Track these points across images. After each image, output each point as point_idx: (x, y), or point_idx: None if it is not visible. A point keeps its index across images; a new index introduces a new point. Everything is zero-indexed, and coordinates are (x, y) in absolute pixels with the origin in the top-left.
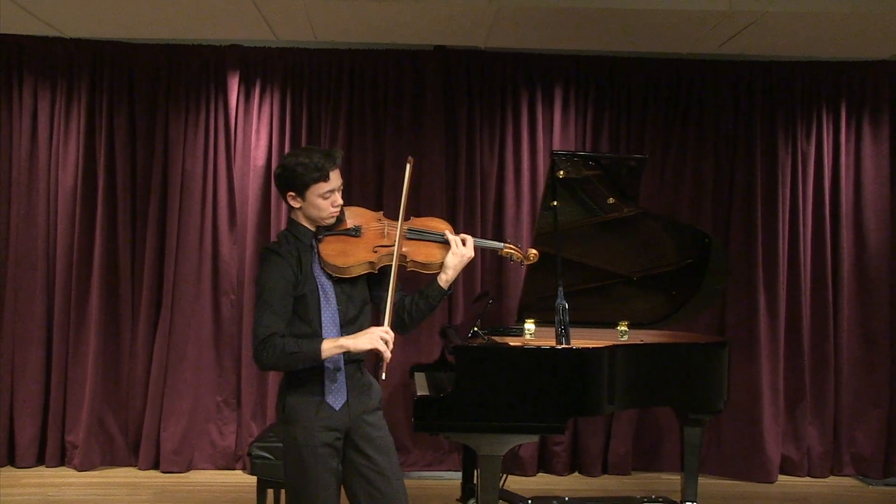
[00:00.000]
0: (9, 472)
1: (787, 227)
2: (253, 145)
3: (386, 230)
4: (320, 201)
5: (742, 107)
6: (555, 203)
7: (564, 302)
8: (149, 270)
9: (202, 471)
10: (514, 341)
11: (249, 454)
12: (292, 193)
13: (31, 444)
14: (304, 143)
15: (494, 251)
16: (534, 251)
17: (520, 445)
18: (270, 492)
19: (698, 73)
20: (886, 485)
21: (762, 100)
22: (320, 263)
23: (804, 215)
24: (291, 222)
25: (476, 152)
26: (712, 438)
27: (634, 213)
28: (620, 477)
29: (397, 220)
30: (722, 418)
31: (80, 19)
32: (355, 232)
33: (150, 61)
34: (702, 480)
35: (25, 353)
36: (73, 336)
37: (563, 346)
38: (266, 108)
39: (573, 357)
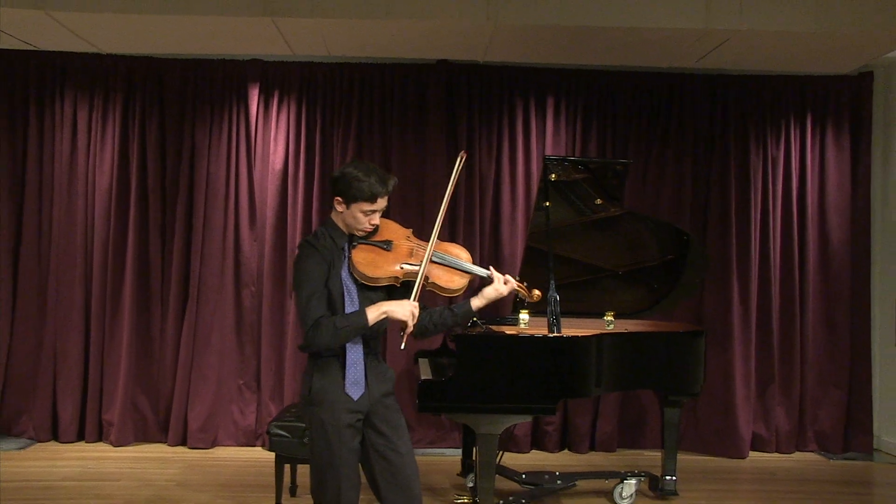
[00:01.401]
0: (53, 446)
1: (758, 226)
2: (271, 151)
3: (414, 250)
4: (360, 216)
5: (717, 116)
6: (547, 204)
7: (556, 294)
8: (177, 265)
9: (225, 447)
10: (509, 330)
11: (268, 432)
12: (340, 199)
13: (71, 422)
14: (318, 149)
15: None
16: (537, 292)
17: (515, 425)
18: (287, 467)
19: (678, 86)
20: (845, 459)
21: (735, 110)
22: (349, 267)
23: (774, 215)
24: (330, 222)
25: (475, 157)
26: (690, 418)
27: (620, 212)
28: (606, 453)
29: (426, 241)
30: (698, 400)
31: (115, 37)
32: (387, 246)
33: (178, 75)
34: (680, 456)
35: (66, 339)
36: (109, 324)
37: (555, 334)
38: (283, 117)
39: (564, 344)
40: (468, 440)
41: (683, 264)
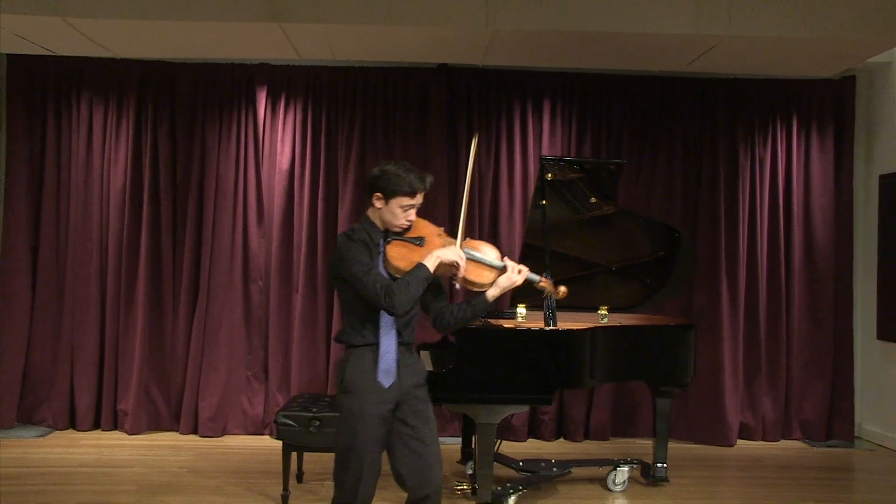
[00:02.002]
0: (70, 434)
1: (746, 224)
2: (278, 151)
3: (447, 245)
4: (399, 211)
5: (707, 118)
6: (544, 202)
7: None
8: (188, 261)
9: (235, 436)
10: (507, 323)
11: (276, 422)
12: (379, 195)
13: (88, 411)
14: (323, 150)
15: (531, 282)
16: (563, 289)
17: (512, 415)
18: (294, 455)
19: (669, 88)
20: (828, 446)
21: (724, 112)
22: (384, 262)
23: (761, 213)
24: (366, 218)
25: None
26: (680, 408)
27: (613, 210)
28: (600, 442)
29: (455, 237)
30: (689, 390)
31: (129, 42)
32: (419, 242)
33: (189, 78)
34: (671, 445)
35: (83, 332)
36: (123, 318)
37: (551, 327)
38: (290, 119)
39: (559, 337)
40: (468, 429)
41: (674, 260)
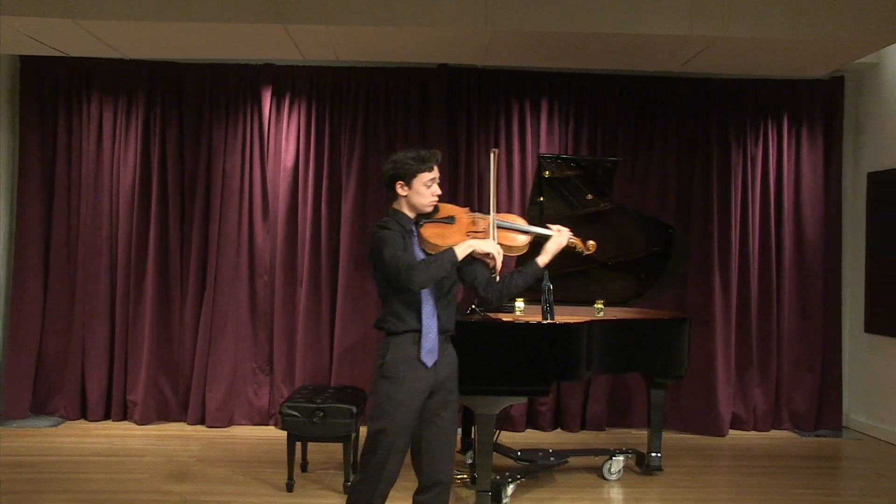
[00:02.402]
0: (82, 424)
1: (738, 220)
2: (283, 150)
3: (476, 220)
4: (423, 189)
5: (700, 117)
6: (541, 199)
7: (549, 283)
8: (195, 256)
9: (241, 426)
10: (506, 317)
11: (280, 412)
12: (401, 182)
13: (99, 402)
14: (326, 148)
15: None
16: (592, 242)
17: (511, 406)
18: (298, 444)
19: (663, 88)
20: (817, 436)
21: (717, 111)
22: (420, 244)
23: (752, 209)
24: (394, 211)
25: (474, 155)
26: (674, 399)
27: (609, 207)
28: (596, 432)
29: (484, 213)
30: (682, 382)
31: (138, 43)
32: (450, 220)
33: (196, 78)
34: (665, 435)
35: (93, 326)
36: (132, 311)
37: (549, 321)
38: (294, 118)
39: (557, 330)
40: (467, 420)
41: (668, 256)
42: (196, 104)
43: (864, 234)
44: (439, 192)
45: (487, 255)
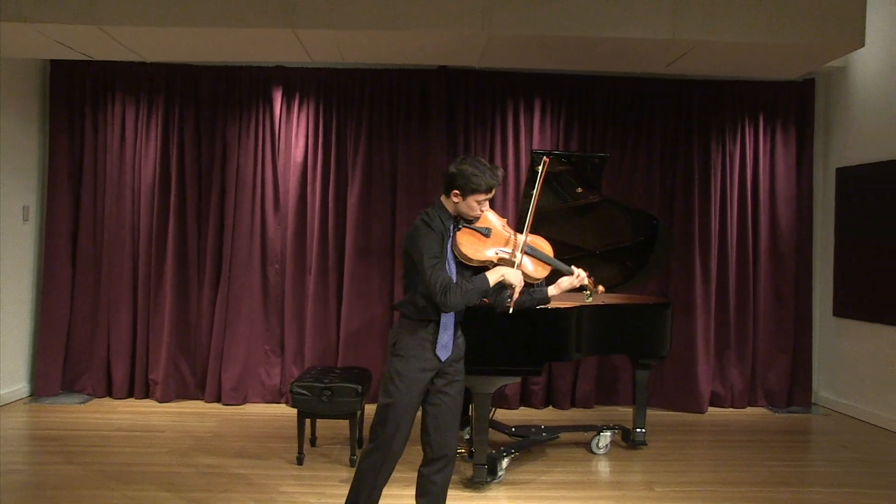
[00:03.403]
0: (108, 402)
1: (717, 212)
2: (293, 146)
3: (509, 240)
4: (475, 205)
5: (683, 115)
6: (534, 192)
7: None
8: (211, 246)
9: (254, 404)
10: None
11: (291, 391)
12: (457, 192)
13: (123, 381)
14: (333, 144)
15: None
16: (601, 287)
17: (506, 385)
18: (308, 421)
19: (648, 89)
20: (789, 412)
21: (699, 110)
22: (452, 245)
23: (731, 202)
24: (440, 205)
25: (471, 151)
26: (657, 379)
27: (598, 200)
28: (585, 409)
29: (521, 232)
30: (665, 363)
31: (158, 47)
32: (487, 233)
33: (212, 80)
34: (649, 412)
35: (117, 310)
36: (153, 297)
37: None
38: (303, 116)
39: (548, 315)
40: (465, 398)
41: (653, 245)
42: (211, 104)
43: (833, 225)
44: (487, 208)
45: (511, 285)
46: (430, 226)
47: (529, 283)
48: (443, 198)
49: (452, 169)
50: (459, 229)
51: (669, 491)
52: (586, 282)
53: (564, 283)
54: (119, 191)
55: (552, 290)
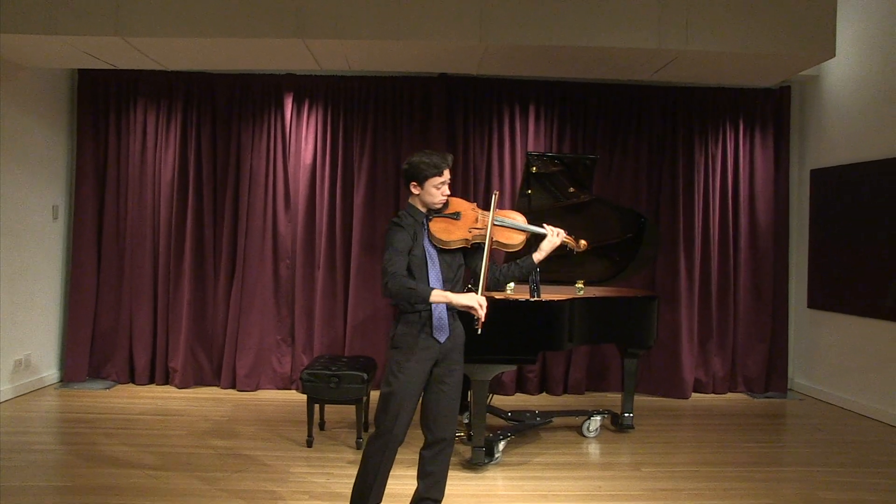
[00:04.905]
0: (131, 388)
1: (700, 210)
2: (303, 148)
3: (479, 217)
4: (434, 190)
5: (668, 120)
6: (529, 191)
7: (536, 265)
8: (226, 241)
9: (267, 390)
10: (498, 295)
11: (301, 378)
12: (414, 183)
13: (145, 368)
14: (340, 146)
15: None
16: (584, 242)
17: (502, 373)
18: (317, 406)
19: (636, 95)
20: (766, 397)
21: (683, 115)
22: (429, 237)
23: (713, 201)
24: (409, 205)
25: (470, 153)
26: (644, 367)
27: (589, 199)
28: (577, 395)
29: (488, 210)
30: (651, 352)
31: (177, 56)
32: (456, 216)
33: (227, 87)
34: (636, 397)
35: (139, 302)
36: (173, 289)
37: (535, 298)
38: (312, 121)
39: (543, 307)
40: (464, 385)
41: (640, 241)
42: (227, 109)
43: (808, 223)
44: (448, 192)
45: (469, 307)
46: (400, 224)
47: (513, 255)
48: (410, 198)
49: (404, 165)
50: (431, 220)
51: (655, 471)
52: (566, 238)
53: (545, 245)
54: (141, 191)
55: (537, 256)
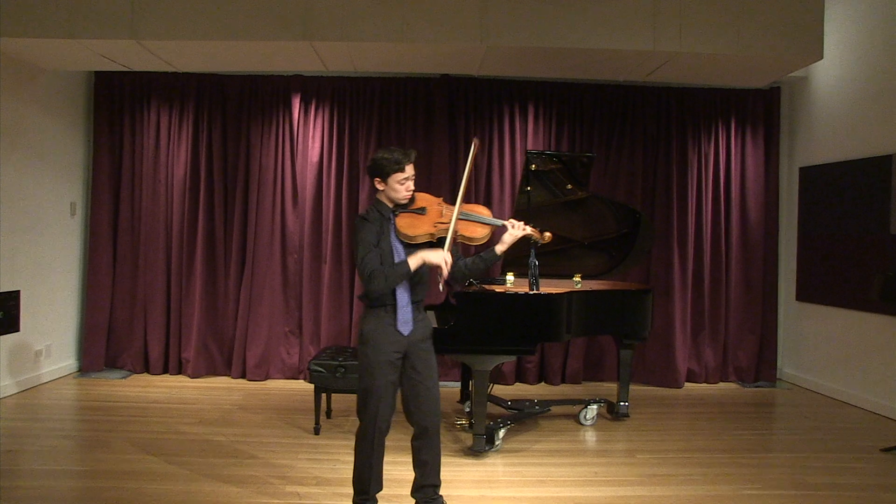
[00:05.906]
0: (145, 377)
1: (693, 206)
2: (310, 147)
3: (444, 211)
4: (398, 186)
5: (662, 119)
6: (528, 188)
7: (535, 260)
8: (236, 236)
9: (275, 380)
10: (499, 288)
11: (308, 368)
12: (378, 179)
13: (159, 359)
14: (346, 145)
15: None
16: (548, 234)
17: (502, 363)
18: (324, 395)
19: (632, 95)
20: (756, 387)
21: (677, 114)
22: (395, 232)
23: (705, 197)
24: (377, 201)
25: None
26: (639, 357)
27: (586, 195)
28: (574, 385)
29: (453, 204)
30: (646, 343)
31: (189, 59)
32: (422, 211)
33: (237, 87)
34: (632, 387)
35: (153, 295)
36: (185, 283)
37: (535, 291)
38: (319, 120)
39: (541, 300)
40: (466, 375)
41: (635, 236)
42: (236, 109)
43: (797, 218)
44: (412, 188)
45: (436, 265)
46: (366, 219)
47: (478, 248)
48: (377, 194)
49: (368, 163)
50: (397, 215)
51: (650, 458)
52: (529, 231)
53: (507, 237)
54: (154, 188)
55: (499, 248)
